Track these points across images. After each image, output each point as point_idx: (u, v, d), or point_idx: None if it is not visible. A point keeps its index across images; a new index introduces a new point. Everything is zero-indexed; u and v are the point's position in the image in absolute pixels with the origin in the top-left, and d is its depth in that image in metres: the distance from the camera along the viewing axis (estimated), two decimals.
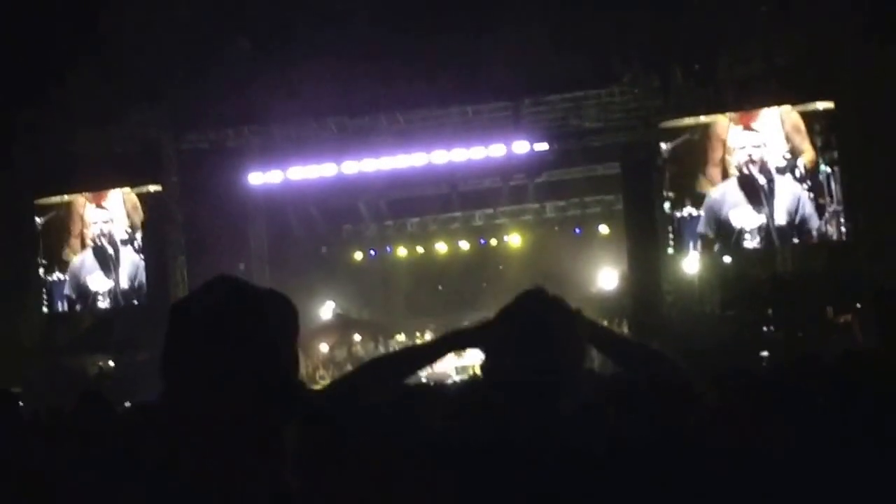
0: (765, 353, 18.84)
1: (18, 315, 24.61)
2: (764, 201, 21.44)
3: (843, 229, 21.01)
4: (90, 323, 25.29)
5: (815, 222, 21.14)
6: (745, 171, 21.60)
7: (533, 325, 2.82)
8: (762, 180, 21.45)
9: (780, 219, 21.38)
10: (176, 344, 2.16)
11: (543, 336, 2.79)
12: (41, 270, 25.47)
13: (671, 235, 22.27)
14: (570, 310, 2.94)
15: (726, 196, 21.75)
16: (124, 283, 25.28)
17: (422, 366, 3.01)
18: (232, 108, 22.95)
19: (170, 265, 25.13)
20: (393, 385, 3.02)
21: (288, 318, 2.18)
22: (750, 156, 21.54)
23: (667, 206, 22.22)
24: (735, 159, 21.65)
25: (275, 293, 2.21)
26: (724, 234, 21.83)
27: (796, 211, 21.23)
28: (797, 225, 21.29)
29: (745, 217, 21.63)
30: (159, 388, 2.21)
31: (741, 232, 21.67)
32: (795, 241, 21.48)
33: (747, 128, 21.60)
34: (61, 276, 25.49)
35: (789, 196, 21.29)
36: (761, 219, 21.51)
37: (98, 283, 25.39)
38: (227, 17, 20.66)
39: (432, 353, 2.99)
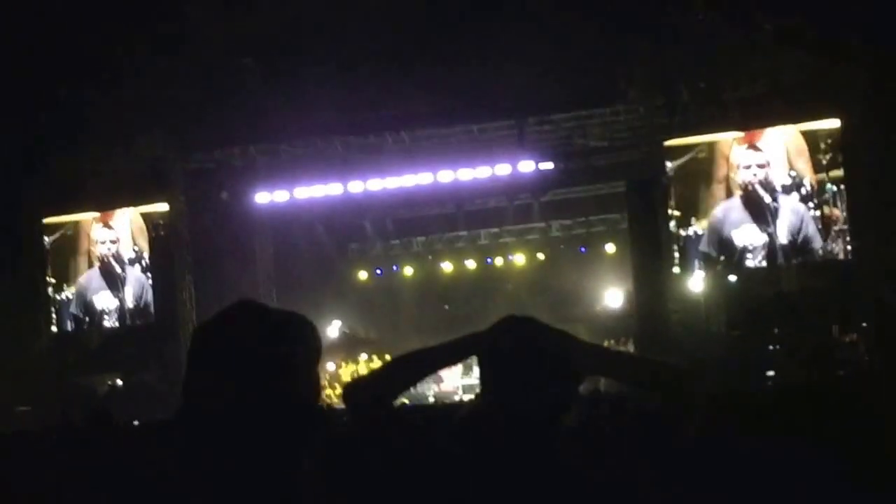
0: (770, 373, 18.83)
1: (27, 334, 24.65)
2: (768, 220, 21.43)
3: (848, 248, 20.97)
4: (98, 342, 25.32)
5: (819, 241, 21.09)
6: (750, 189, 21.60)
7: (509, 361, 2.79)
8: (767, 199, 21.43)
9: (784, 237, 21.33)
10: (198, 365, 2.15)
11: (522, 369, 2.77)
12: (49, 289, 25.51)
13: (676, 254, 22.26)
14: (549, 337, 2.85)
15: (729, 214, 21.73)
16: (131, 303, 25.30)
17: (446, 365, 3.00)
18: (238, 127, 23.04)
19: (177, 284, 25.17)
20: (415, 383, 3.02)
21: (310, 341, 2.20)
22: (755, 174, 21.54)
23: (672, 224, 22.21)
24: (739, 177, 21.64)
25: (297, 316, 2.23)
26: (728, 252, 21.82)
27: (800, 230, 21.20)
28: (801, 244, 21.21)
29: (748, 235, 21.59)
30: (167, 407, 2.21)
31: (744, 250, 21.64)
32: (800, 260, 21.40)
33: (752, 146, 21.61)
34: (69, 296, 25.55)
35: (794, 215, 21.23)
36: (764, 237, 21.50)
37: (105, 301, 25.42)
38: (233, 36, 20.72)
39: (457, 352, 2.98)
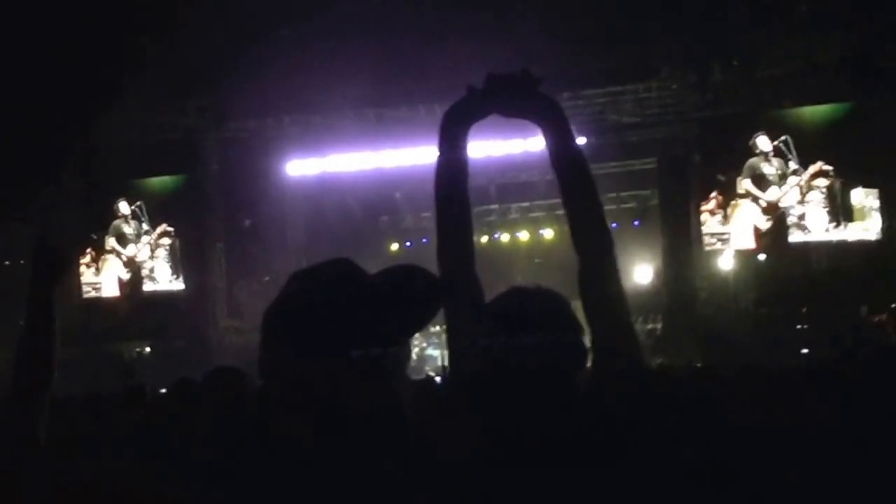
0: (805, 351, 18.81)
1: (56, 300, 24.76)
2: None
3: (879, 228, 20.95)
4: (127, 309, 25.50)
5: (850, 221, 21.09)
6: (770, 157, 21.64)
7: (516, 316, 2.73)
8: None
9: (816, 217, 21.35)
10: (291, 307, 2.11)
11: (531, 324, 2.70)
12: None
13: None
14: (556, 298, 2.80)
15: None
16: (162, 270, 25.51)
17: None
18: (271, 97, 23.10)
19: (206, 253, 25.31)
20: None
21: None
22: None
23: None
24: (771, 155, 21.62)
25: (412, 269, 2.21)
26: None
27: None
28: (832, 223, 21.26)
29: None
30: (195, 374, 2.15)
31: None
32: (831, 239, 21.40)
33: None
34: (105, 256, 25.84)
35: (825, 194, 21.26)
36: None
37: (133, 247, 25.84)
38: (267, 6, 20.76)
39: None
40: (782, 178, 21.39)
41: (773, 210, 21.56)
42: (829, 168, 20.91)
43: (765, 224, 21.64)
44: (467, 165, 3.05)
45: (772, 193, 21.54)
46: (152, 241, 25.49)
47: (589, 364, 2.72)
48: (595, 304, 2.76)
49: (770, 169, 21.46)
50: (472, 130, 3.14)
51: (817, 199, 21.22)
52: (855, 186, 20.99)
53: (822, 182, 21.10)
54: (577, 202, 2.93)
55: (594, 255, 2.85)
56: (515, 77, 2.99)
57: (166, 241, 25.41)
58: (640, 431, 2.65)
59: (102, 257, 25.87)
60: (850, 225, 21.05)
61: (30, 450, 3.14)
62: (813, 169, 21.04)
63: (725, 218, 21.98)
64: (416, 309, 2.16)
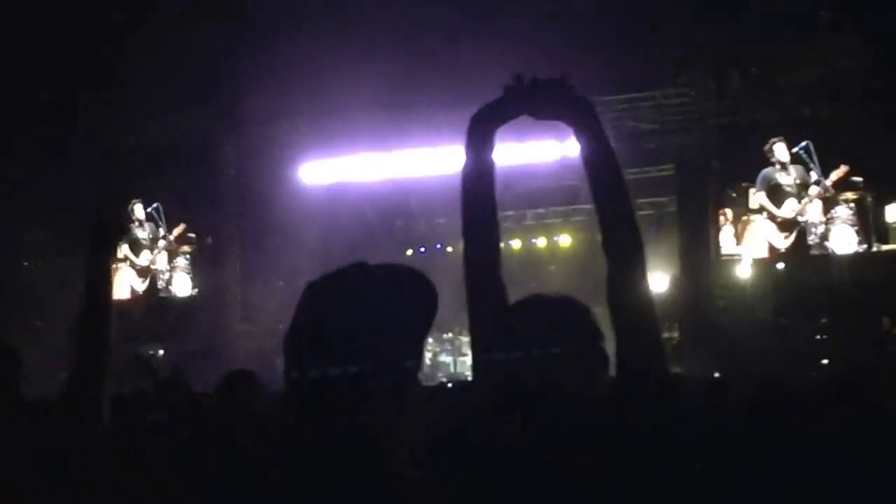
0: (825, 361, 18.64)
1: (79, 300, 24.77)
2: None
3: None
4: (139, 312, 25.46)
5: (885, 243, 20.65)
6: (788, 165, 21.33)
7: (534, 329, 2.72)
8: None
9: (841, 236, 20.99)
10: (307, 321, 2.15)
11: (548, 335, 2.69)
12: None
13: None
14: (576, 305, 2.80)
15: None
16: (181, 281, 25.47)
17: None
18: (286, 100, 23.03)
19: (222, 256, 25.26)
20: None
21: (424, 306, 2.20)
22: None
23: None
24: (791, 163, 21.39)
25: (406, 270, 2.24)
26: None
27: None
28: (862, 245, 20.77)
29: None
30: (204, 378, 2.23)
31: None
32: (852, 249, 21.05)
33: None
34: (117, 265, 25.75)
35: (853, 210, 20.82)
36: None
37: (148, 254, 25.69)
38: (284, 10, 20.70)
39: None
40: (802, 188, 21.04)
41: (791, 226, 21.20)
42: (859, 180, 20.43)
43: (782, 242, 21.29)
44: (494, 168, 3.02)
45: (789, 208, 21.19)
46: (171, 247, 25.41)
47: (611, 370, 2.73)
48: (624, 308, 2.78)
49: (787, 179, 21.14)
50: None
51: (844, 215, 20.69)
52: (890, 201, 20.44)
53: (850, 195, 20.56)
54: (610, 203, 2.95)
55: (625, 256, 2.84)
56: (550, 79, 3.06)
57: (187, 248, 25.37)
58: (662, 439, 2.68)
59: (114, 267, 25.79)
60: (883, 248, 20.41)
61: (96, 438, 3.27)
62: (837, 175, 20.57)
63: (737, 236, 21.76)
64: (418, 317, 2.19)
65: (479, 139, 3.00)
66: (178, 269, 25.55)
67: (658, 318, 2.79)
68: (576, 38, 20.20)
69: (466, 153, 2.99)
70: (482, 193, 2.98)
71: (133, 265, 25.72)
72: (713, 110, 22.57)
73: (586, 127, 3.00)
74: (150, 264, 25.65)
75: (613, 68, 21.48)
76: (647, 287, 2.82)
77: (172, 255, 25.60)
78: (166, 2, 21.40)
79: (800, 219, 20.98)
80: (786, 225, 21.15)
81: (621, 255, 2.83)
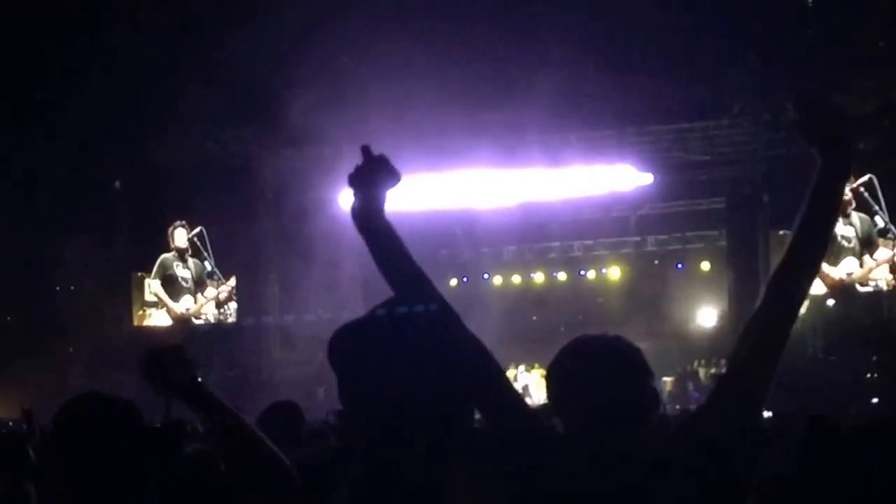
0: (875, 400, 18.29)
1: (110, 324, 24.75)
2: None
3: None
4: (176, 338, 25.31)
5: None
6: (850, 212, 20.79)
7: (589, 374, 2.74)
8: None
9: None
10: (351, 376, 2.04)
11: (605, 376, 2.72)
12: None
13: None
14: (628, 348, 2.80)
15: None
16: (214, 301, 25.27)
17: None
18: (329, 124, 22.84)
19: (262, 283, 25.12)
20: None
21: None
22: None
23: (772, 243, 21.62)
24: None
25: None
26: None
27: None
28: None
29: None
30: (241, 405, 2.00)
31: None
32: None
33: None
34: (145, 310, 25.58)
35: None
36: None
37: (189, 299, 25.42)
38: (326, 32, 20.56)
39: None
40: (865, 244, 20.57)
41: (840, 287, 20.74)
42: None
43: (833, 272, 20.78)
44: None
45: (844, 268, 20.77)
46: (219, 300, 25.16)
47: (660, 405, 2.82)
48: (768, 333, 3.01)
49: (847, 231, 20.55)
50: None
51: None
52: None
53: None
54: (815, 234, 2.93)
55: (797, 288, 2.99)
56: (832, 106, 2.94)
57: (234, 301, 25.26)
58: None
59: (140, 313, 25.48)
60: None
61: None
62: None
63: None
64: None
65: (371, 229, 2.84)
66: (225, 314, 25.34)
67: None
68: (625, 66, 20.00)
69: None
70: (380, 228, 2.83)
71: (169, 311, 25.33)
72: (766, 142, 22.16)
73: (838, 165, 2.92)
74: (191, 316, 25.29)
75: (663, 98, 21.21)
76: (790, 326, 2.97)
77: (219, 305, 25.32)
78: (211, 27, 21.33)
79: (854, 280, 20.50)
80: (834, 285, 20.62)
81: (794, 285, 3.00)
